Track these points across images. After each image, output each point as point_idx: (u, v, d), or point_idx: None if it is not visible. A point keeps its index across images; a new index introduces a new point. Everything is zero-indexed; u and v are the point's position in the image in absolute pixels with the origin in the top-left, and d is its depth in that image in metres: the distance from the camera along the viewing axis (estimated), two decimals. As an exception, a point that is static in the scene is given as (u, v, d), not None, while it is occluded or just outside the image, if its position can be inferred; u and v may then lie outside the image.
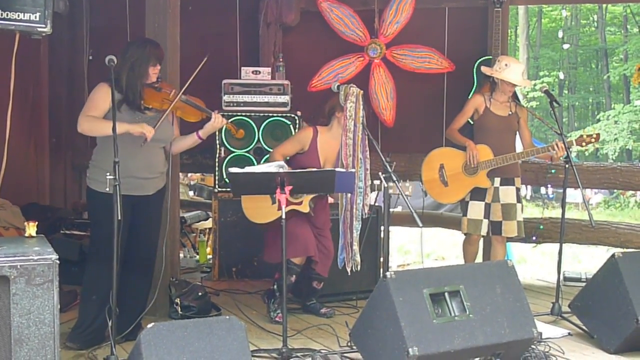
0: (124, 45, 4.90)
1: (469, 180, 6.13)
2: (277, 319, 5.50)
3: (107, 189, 4.21)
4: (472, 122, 6.33)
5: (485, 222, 6.14)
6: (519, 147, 6.23)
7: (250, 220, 5.58)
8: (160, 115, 4.76)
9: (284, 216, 4.56)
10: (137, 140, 4.64)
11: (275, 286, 5.64)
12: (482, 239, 6.84)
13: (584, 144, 5.99)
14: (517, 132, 6.26)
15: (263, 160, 6.65)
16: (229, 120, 6.82)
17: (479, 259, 7.27)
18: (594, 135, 5.99)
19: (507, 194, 6.14)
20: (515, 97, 6.34)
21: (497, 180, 6.13)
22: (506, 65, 6.07)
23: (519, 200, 6.19)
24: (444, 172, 6.20)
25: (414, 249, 10.81)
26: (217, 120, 4.95)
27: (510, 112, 6.17)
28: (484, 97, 6.21)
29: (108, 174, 4.16)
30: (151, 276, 5.14)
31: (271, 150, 6.04)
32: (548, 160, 6.34)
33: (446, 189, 6.21)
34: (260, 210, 5.43)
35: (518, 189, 6.21)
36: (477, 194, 6.14)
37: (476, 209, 6.14)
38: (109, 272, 4.37)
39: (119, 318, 4.39)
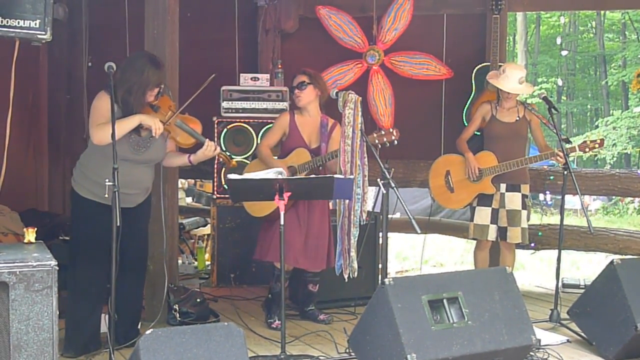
0: (125, 58, 4.83)
1: (474, 187, 6.20)
2: (273, 325, 5.52)
3: (106, 195, 4.21)
4: (477, 133, 6.38)
5: (494, 227, 6.18)
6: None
7: (248, 212, 5.67)
8: (151, 137, 4.72)
9: (282, 222, 4.57)
10: (127, 156, 4.64)
11: (269, 295, 5.69)
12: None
13: (587, 149, 5.94)
14: (531, 136, 6.34)
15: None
16: (229, 126, 6.92)
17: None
18: (598, 141, 5.95)
19: (513, 200, 6.17)
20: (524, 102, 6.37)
21: (503, 187, 6.17)
22: (503, 71, 6.12)
23: (524, 207, 6.20)
24: (449, 179, 6.30)
25: (413, 255, 10.81)
26: (209, 149, 4.86)
27: (517, 118, 6.19)
28: (490, 105, 6.27)
29: (107, 180, 4.15)
30: (143, 283, 5.17)
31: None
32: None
33: (452, 195, 6.30)
34: (257, 203, 5.52)
35: (525, 196, 6.22)
36: (484, 199, 6.20)
37: (483, 215, 6.20)
38: (93, 275, 4.40)
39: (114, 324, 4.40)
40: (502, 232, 6.21)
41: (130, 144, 4.67)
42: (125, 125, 4.54)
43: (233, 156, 6.94)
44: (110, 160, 4.22)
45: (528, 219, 6.31)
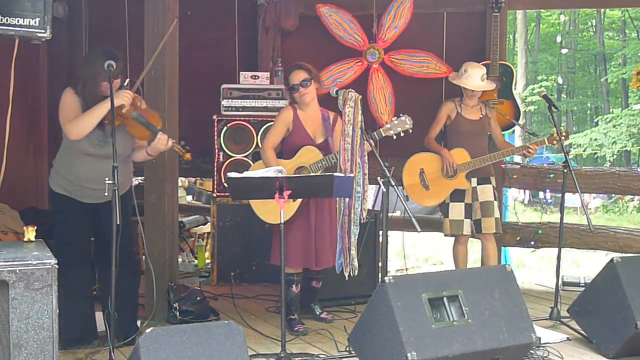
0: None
1: (449, 183, 6.31)
2: (296, 328, 5.41)
3: (106, 194, 4.17)
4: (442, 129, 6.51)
5: (468, 221, 6.33)
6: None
7: (259, 217, 5.51)
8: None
9: (282, 220, 4.56)
10: (87, 150, 4.68)
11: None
12: (480, 243, 6.89)
13: (554, 142, 6.10)
14: (490, 132, 6.54)
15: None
16: (229, 124, 6.91)
17: (477, 263, 7.30)
18: (564, 133, 6.11)
19: (485, 192, 6.34)
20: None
21: (474, 180, 6.34)
22: (465, 71, 6.32)
23: (495, 198, 6.39)
24: (424, 177, 6.37)
25: (413, 253, 10.81)
26: (160, 142, 4.73)
27: (481, 115, 6.41)
28: (454, 103, 6.44)
29: (107, 178, 4.15)
30: (136, 278, 5.18)
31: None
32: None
33: (428, 192, 6.38)
34: (269, 208, 5.34)
35: (494, 187, 6.41)
36: (457, 195, 6.34)
37: (457, 210, 6.33)
38: (74, 272, 4.45)
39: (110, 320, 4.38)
40: (476, 225, 6.35)
41: (89, 138, 4.65)
42: (98, 112, 4.55)
43: (233, 155, 6.94)
44: (75, 156, 4.45)
45: (500, 211, 6.50)
